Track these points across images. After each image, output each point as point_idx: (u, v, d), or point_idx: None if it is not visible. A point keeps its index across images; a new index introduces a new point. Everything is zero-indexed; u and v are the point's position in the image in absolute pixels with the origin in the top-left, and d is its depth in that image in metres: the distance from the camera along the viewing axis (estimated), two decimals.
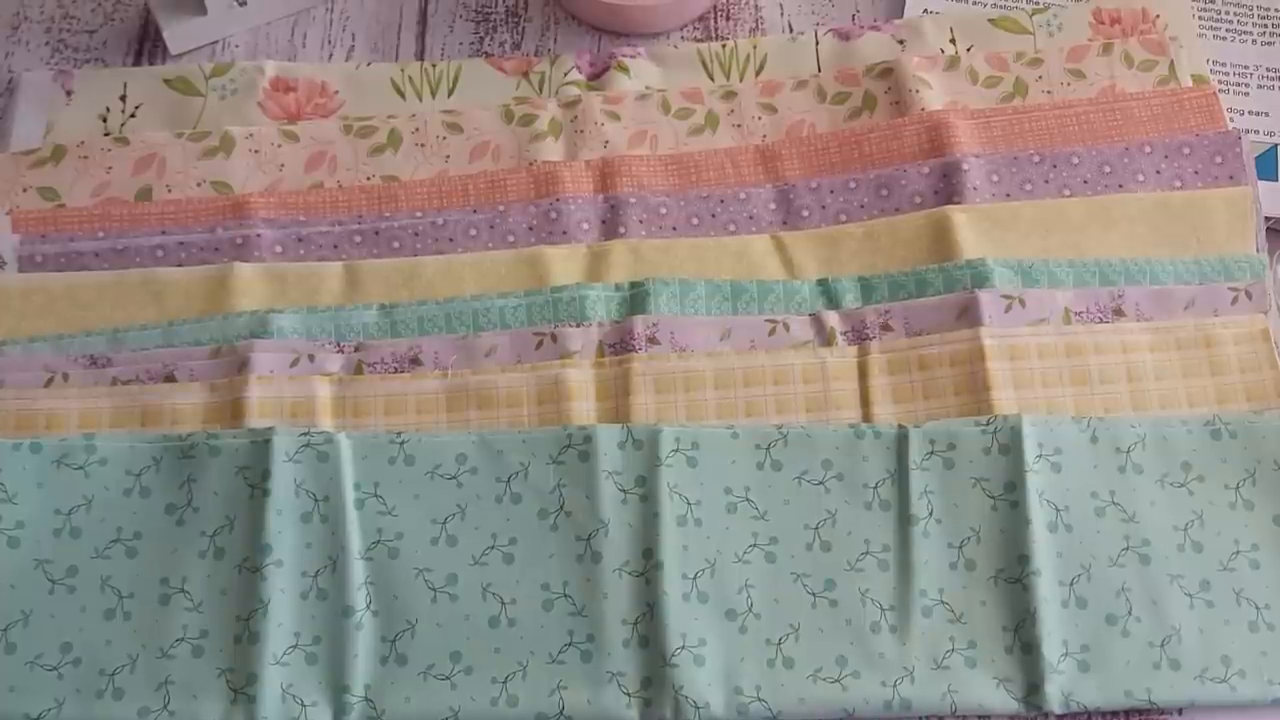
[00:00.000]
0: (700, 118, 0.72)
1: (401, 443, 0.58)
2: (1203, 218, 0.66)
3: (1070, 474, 0.58)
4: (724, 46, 0.75)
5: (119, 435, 0.58)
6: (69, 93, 0.73)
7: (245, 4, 0.75)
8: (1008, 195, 0.67)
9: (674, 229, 0.67)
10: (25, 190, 0.69)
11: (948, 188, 0.67)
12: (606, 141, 0.70)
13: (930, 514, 0.57)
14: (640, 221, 0.67)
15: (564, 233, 0.67)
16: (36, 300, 0.64)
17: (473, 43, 0.77)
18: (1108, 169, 0.68)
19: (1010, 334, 0.62)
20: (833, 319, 0.63)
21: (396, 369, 0.62)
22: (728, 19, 0.77)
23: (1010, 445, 0.58)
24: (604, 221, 0.68)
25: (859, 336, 0.63)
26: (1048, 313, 0.63)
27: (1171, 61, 0.72)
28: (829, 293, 0.64)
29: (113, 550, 0.56)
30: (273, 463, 0.57)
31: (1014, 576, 0.56)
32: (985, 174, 0.67)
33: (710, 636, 0.55)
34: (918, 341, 0.62)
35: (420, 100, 0.73)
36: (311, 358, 0.62)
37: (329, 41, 0.77)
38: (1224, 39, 0.75)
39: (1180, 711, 0.56)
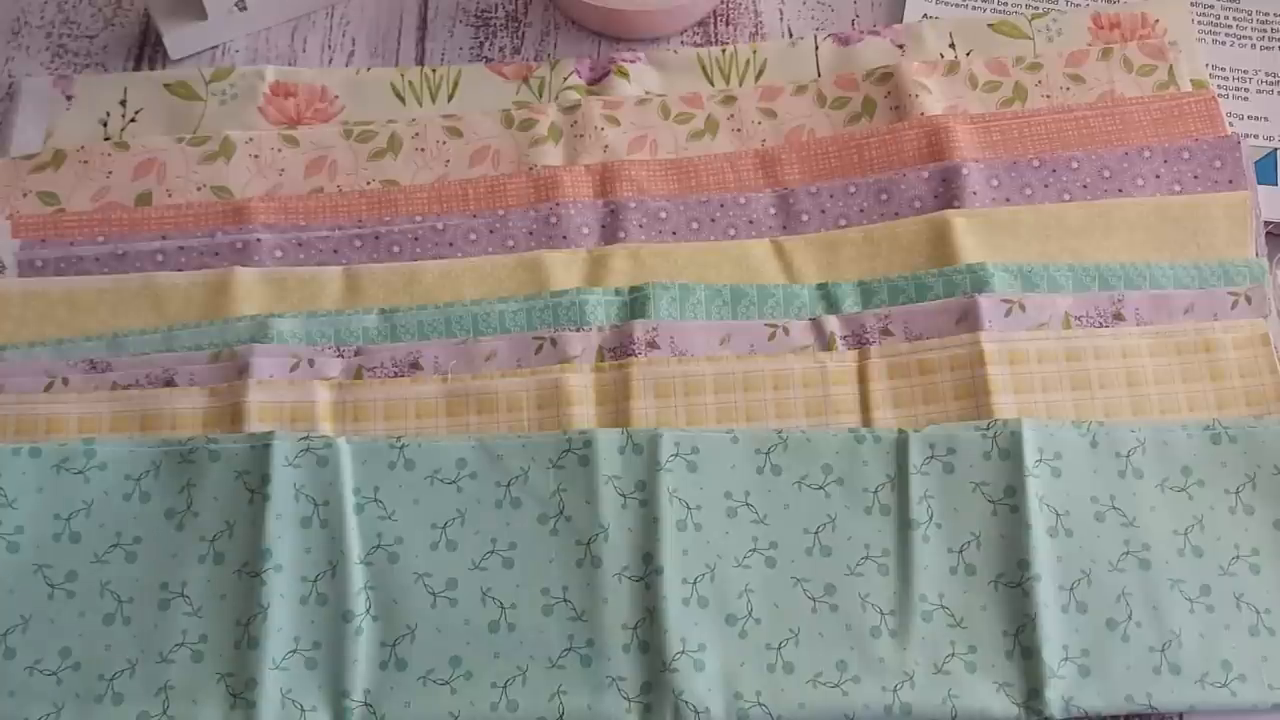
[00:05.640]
0: (700, 122, 0.72)
1: (401, 447, 0.58)
2: (1202, 222, 0.66)
3: (1070, 478, 0.58)
4: (724, 51, 0.75)
5: (119, 440, 0.58)
6: (69, 98, 0.73)
7: (245, 9, 0.75)
8: (1007, 200, 0.67)
9: (674, 233, 0.67)
10: (25, 195, 0.69)
11: (947, 192, 0.67)
12: (606, 146, 0.71)
13: (930, 518, 0.57)
14: (640, 226, 0.67)
15: (564, 237, 0.67)
16: (36, 305, 0.64)
17: (472, 48, 0.77)
18: (1107, 174, 0.68)
19: (1010, 338, 0.62)
20: (832, 323, 0.63)
21: (396, 373, 0.62)
22: (727, 24, 0.77)
23: (1010, 449, 0.58)
24: (604, 226, 0.68)
25: (859, 341, 0.63)
26: (1047, 317, 0.63)
27: (1171, 66, 0.72)
28: (829, 297, 0.64)
29: (112, 555, 0.56)
30: (272, 467, 0.57)
31: (1014, 581, 0.56)
32: (985, 179, 0.67)
33: (710, 641, 0.55)
34: (917, 346, 0.62)
35: (420, 105, 0.73)
36: (311, 362, 0.62)
37: (329, 46, 0.77)
38: (1223, 44, 0.75)
39: (1181, 716, 0.56)
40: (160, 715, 0.54)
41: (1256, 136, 0.71)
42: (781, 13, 0.78)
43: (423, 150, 0.71)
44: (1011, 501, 0.57)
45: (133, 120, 0.72)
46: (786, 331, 0.63)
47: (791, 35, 0.77)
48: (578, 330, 0.63)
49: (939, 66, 0.72)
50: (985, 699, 0.55)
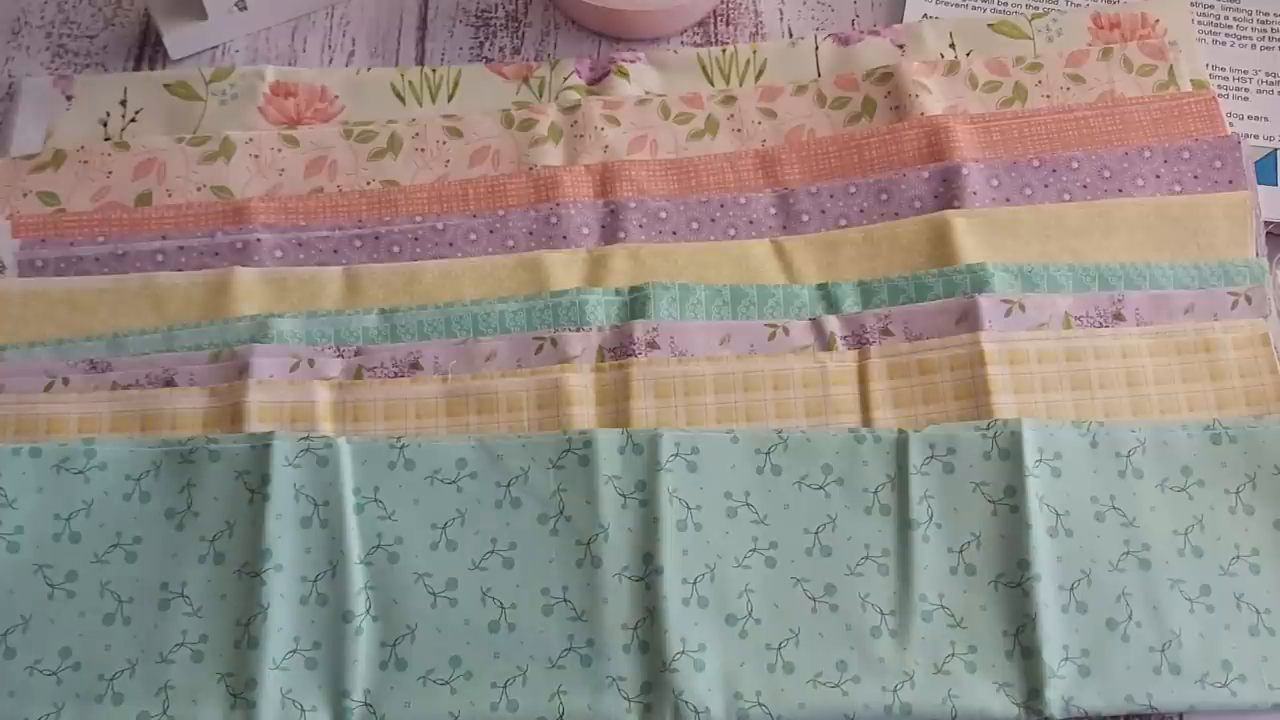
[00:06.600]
0: (700, 122, 0.72)
1: (401, 447, 0.58)
2: (1202, 222, 0.66)
3: (1070, 478, 0.58)
4: (724, 51, 0.75)
5: (119, 440, 0.58)
6: (69, 98, 0.73)
7: (245, 9, 0.75)
8: (1007, 200, 0.67)
9: (674, 233, 0.67)
10: (25, 195, 0.69)
11: (947, 192, 0.67)
12: (606, 146, 0.71)
13: (930, 518, 0.57)
14: (640, 226, 0.67)
15: (564, 237, 0.67)
16: (36, 305, 0.64)
17: (472, 48, 0.77)
18: (1107, 174, 0.68)
19: (1010, 338, 0.62)
20: (832, 323, 0.63)
21: (396, 373, 0.62)
22: (727, 24, 0.77)
23: (1010, 449, 0.58)
24: (604, 226, 0.68)
25: (859, 341, 0.63)
26: (1048, 317, 0.63)
27: (1171, 66, 0.72)
28: (829, 297, 0.64)
29: (112, 555, 0.56)
30: (272, 467, 0.57)
31: (1014, 581, 0.56)
32: (985, 179, 0.67)
33: (710, 641, 0.55)
34: (918, 346, 0.62)
35: (420, 105, 0.73)
36: (311, 362, 0.62)
37: (329, 46, 0.77)
38: (1223, 44, 0.75)
39: (1181, 716, 0.56)
40: (160, 715, 0.54)
41: (1256, 136, 0.71)
42: (781, 13, 0.78)
43: (423, 150, 0.71)
44: (1011, 501, 0.57)
45: (133, 120, 0.72)
46: (786, 331, 0.63)
47: (791, 35, 0.77)
48: (578, 330, 0.63)
49: (939, 66, 0.72)
50: (985, 699, 0.55)
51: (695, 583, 0.56)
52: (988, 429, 0.58)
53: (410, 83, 0.74)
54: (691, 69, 0.75)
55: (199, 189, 0.69)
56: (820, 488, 0.58)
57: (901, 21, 0.77)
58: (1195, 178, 0.67)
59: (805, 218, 0.68)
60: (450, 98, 0.74)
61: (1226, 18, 0.76)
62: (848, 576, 0.57)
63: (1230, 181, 0.67)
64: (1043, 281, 0.64)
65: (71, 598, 0.56)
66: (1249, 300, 0.64)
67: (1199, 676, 0.55)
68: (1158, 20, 0.75)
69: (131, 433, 0.60)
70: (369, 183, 0.70)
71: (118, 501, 0.57)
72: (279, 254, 0.66)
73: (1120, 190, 0.67)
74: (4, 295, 0.64)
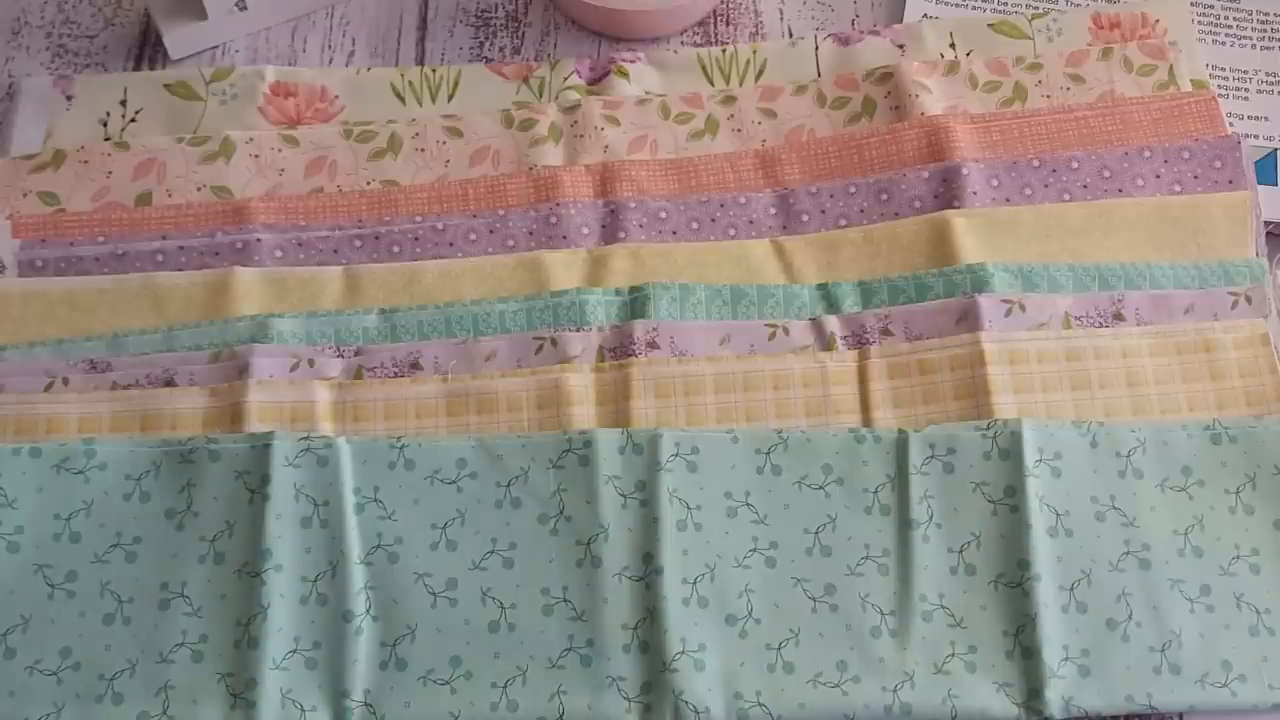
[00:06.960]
0: (700, 122, 0.72)
1: (401, 447, 0.58)
2: (1202, 222, 0.66)
3: (1070, 478, 0.58)
4: (724, 51, 0.75)
5: (119, 440, 0.58)
6: (69, 98, 0.73)
7: (245, 9, 0.75)
8: (1007, 200, 0.67)
9: (674, 233, 0.67)
10: (25, 195, 0.69)
11: (948, 192, 0.67)
12: (606, 146, 0.71)
13: (930, 518, 0.57)
14: (640, 226, 0.67)
15: (564, 237, 0.67)
16: (36, 305, 0.64)
17: (472, 48, 0.77)
18: (1107, 173, 0.68)
19: (1010, 338, 0.62)
20: (832, 323, 0.63)
21: (396, 373, 0.62)
22: (727, 24, 0.77)
23: (1010, 449, 0.58)
24: (604, 226, 0.68)
25: (859, 341, 0.63)
26: (1047, 317, 0.63)
27: (1171, 66, 0.72)
28: (829, 297, 0.64)
29: (112, 555, 0.56)
30: (272, 467, 0.57)
31: (1014, 581, 0.56)
32: (985, 179, 0.67)
33: (710, 641, 0.55)
34: (918, 346, 0.62)
35: (420, 105, 0.73)
36: (311, 362, 0.62)
37: (329, 46, 0.77)
38: (1223, 44, 0.75)
39: (1181, 716, 0.56)
40: (160, 715, 0.54)
41: (1256, 136, 0.71)
42: (781, 13, 0.78)
43: (423, 150, 0.71)
44: (1011, 501, 0.57)
45: (133, 120, 0.72)
46: (786, 331, 0.63)
47: (791, 35, 0.77)
48: (578, 330, 0.63)
49: (939, 66, 0.72)
50: (985, 699, 0.55)
51: (695, 583, 0.56)
52: (988, 429, 0.58)
53: (410, 83, 0.74)
54: (691, 69, 0.75)
55: (199, 189, 0.69)
56: (820, 488, 0.58)
57: (901, 21, 0.77)
58: (1195, 178, 0.67)
59: (805, 218, 0.68)
60: (450, 98, 0.74)
61: (1226, 18, 0.76)
62: (848, 576, 0.57)
63: (1230, 181, 0.67)
64: (1043, 281, 0.64)
65: (71, 598, 0.56)
66: (1249, 300, 0.64)
67: (1199, 676, 0.55)
68: (1158, 20, 0.75)
69: (131, 433, 0.60)
70: (369, 183, 0.70)
71: (118, 501, 0.57)
72: (279, 254, 0.66)
73: (1120, 190, 0.67)
74: (4, 295, 0.64)
